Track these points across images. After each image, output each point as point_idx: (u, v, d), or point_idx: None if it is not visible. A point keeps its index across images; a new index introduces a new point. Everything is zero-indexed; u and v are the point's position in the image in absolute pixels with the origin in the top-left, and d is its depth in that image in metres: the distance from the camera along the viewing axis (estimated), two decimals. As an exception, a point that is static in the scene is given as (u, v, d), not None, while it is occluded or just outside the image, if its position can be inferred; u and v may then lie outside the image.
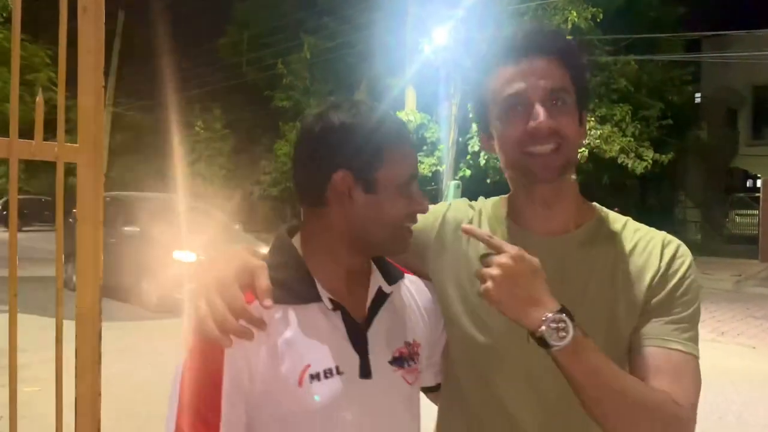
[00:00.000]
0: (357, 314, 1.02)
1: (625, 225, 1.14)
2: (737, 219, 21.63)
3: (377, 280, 1.07)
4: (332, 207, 1.00)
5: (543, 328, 0.91)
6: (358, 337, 1.00)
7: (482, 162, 11.41)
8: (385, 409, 1.03)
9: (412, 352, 1.08)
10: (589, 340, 0.95)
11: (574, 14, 11.43)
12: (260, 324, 0.91)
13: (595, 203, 1.19)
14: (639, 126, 13.14)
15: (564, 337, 0.91)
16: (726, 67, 20.03)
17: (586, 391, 0.96)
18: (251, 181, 20.74)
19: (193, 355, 0.91)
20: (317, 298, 0.98)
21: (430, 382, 1.20)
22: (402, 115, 12.75)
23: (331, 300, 0.99)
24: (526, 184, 1.11)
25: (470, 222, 1.19)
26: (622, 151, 12.10)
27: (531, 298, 0.92)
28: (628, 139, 12.41)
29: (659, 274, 1.07)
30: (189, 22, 22.01)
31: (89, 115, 1.50)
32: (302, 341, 0.96)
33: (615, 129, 12.40)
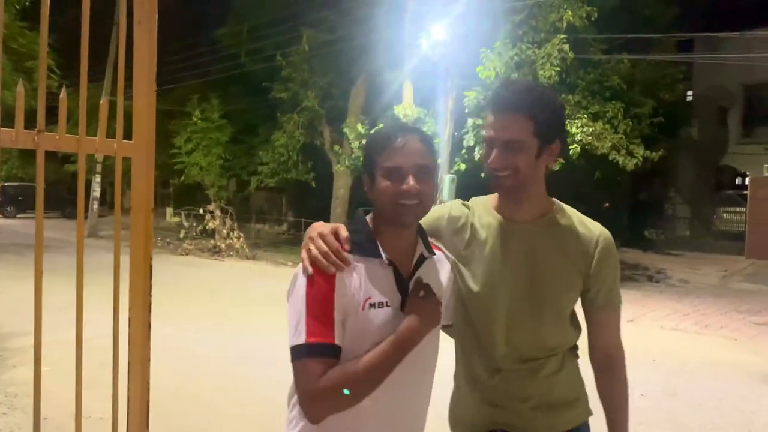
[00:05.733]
0: (404, 269, 1.49)
1: (574, 215, 1.66)
2: (725, 216, 22.00)
3: (420, 249, 1.54)
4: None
5: None
6: (402, 284, 1.47)
7: (477, 156, 11.58)
8: None
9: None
10: None
11: (569, 13, 11.57)
12: (347, 261, 1.39)
13: (553, 199, 1.67)
14: (631, 123, 13.31)
15: None
16: (717, 67, 20.31)
17: None
18: (248, 171, 20.80)
19: (313, 279, 1.36)
20: (379, 255, 1.44)
21: (446, 321, 1.66)
22: (399, 109, 12.89)
23: (386, 258, 1.45)
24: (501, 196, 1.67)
25: (466, 216, 1.69)
26: (613, 147, 12.29)
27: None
28: (620, 136, 12.58)
29: (596, 258, 1.60)
30: (189, 12, 22.04)
31: (143, 115, 1.71)
32: (367, 281, 1.43)
33: (607, 126, 12.57)
